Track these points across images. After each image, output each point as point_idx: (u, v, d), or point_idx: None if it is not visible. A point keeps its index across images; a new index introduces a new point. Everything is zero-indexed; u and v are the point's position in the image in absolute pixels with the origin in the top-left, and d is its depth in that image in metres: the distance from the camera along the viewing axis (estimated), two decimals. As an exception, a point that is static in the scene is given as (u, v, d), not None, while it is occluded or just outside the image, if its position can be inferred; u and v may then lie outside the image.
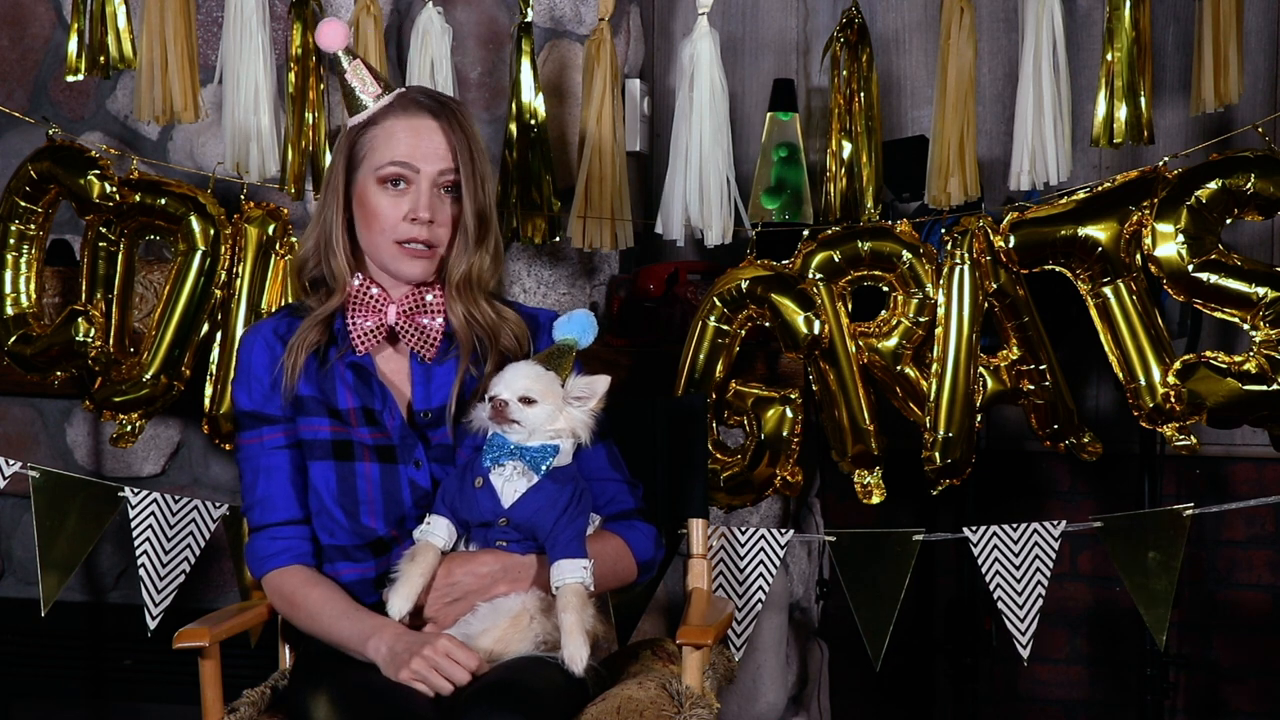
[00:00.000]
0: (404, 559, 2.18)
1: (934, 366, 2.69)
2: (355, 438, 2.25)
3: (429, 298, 2.26)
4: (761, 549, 2.76)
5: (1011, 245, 2.66)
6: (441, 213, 2.24)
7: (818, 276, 2.71)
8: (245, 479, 2.29)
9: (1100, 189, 2.65)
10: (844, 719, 3.47)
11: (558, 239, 2.90)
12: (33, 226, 2.90)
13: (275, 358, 2.27)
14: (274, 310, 2.71)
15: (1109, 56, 2.64)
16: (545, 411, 2.15)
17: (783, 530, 2.78)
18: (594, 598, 2.18)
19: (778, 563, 2.76)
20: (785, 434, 2.75)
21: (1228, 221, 2.61)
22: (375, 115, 2.25)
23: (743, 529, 2.77)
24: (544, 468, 2.16)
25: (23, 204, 2.88)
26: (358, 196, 2.26)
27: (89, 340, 2.83)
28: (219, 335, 2.85)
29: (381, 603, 2.19)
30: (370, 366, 2.27)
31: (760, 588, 2.75)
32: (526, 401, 2.15)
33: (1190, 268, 2.59)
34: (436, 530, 2.19)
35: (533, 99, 2.85)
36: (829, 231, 2.73)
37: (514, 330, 2.30)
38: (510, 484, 2.16)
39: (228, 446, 2.87)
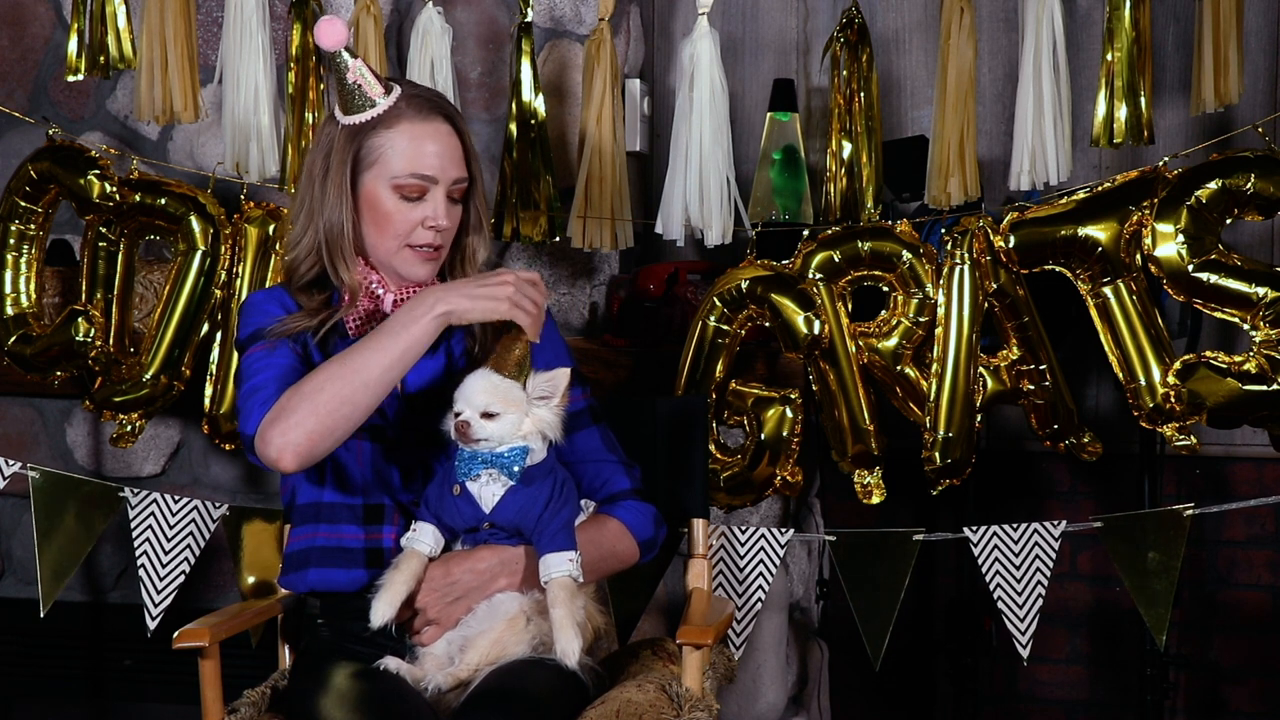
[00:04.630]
0: (390, 567, 2.16)
1: (934, 366, 2.69)
2: None
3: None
4: (761, 549, 2.76)
5: (1011, 245, 2.65)
6: (452, 217, 2.26)
7: (818, 276, 2.71)
8: (246, 377, 2.16)
9: (1100, 189, 2.65)
10: (844, 719, 3.47)
11: (558, 239, 2.90)
12: (33, 226, 2.90)
13: (286, 311, 2.25)
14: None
15: (1109, 56, 2.64)
16: (509, 421, 2.11)
17: (783, 530, 2.78)
18: (591, 587, 2.17)
19: (778, 563, 2.76)
20: (785, 434, 2.74)
21: (1228, 221, 2.61)
22: (383, 117, 2.20)
23: (743, 529, 2.77)
24: (517, 470, 2.14)
25: (23, 204, 2.88)
26: (366, 198, 2.22)
27: (89, 340, 2.83)
28: (219, 335, 2.85)
29: (362, 597, 2.16)
30: None
31: (760, 588, 2.75)
32: (488, 416, 2.11)
33: (1190, 268, 2.59)
34: (423, 537, 2.17)
35: (533, 99, 2.85)
36: (829, 231, 2.73)
37: None
38: (487, 489, 2.14)
39: (228, 446, 2.87)
